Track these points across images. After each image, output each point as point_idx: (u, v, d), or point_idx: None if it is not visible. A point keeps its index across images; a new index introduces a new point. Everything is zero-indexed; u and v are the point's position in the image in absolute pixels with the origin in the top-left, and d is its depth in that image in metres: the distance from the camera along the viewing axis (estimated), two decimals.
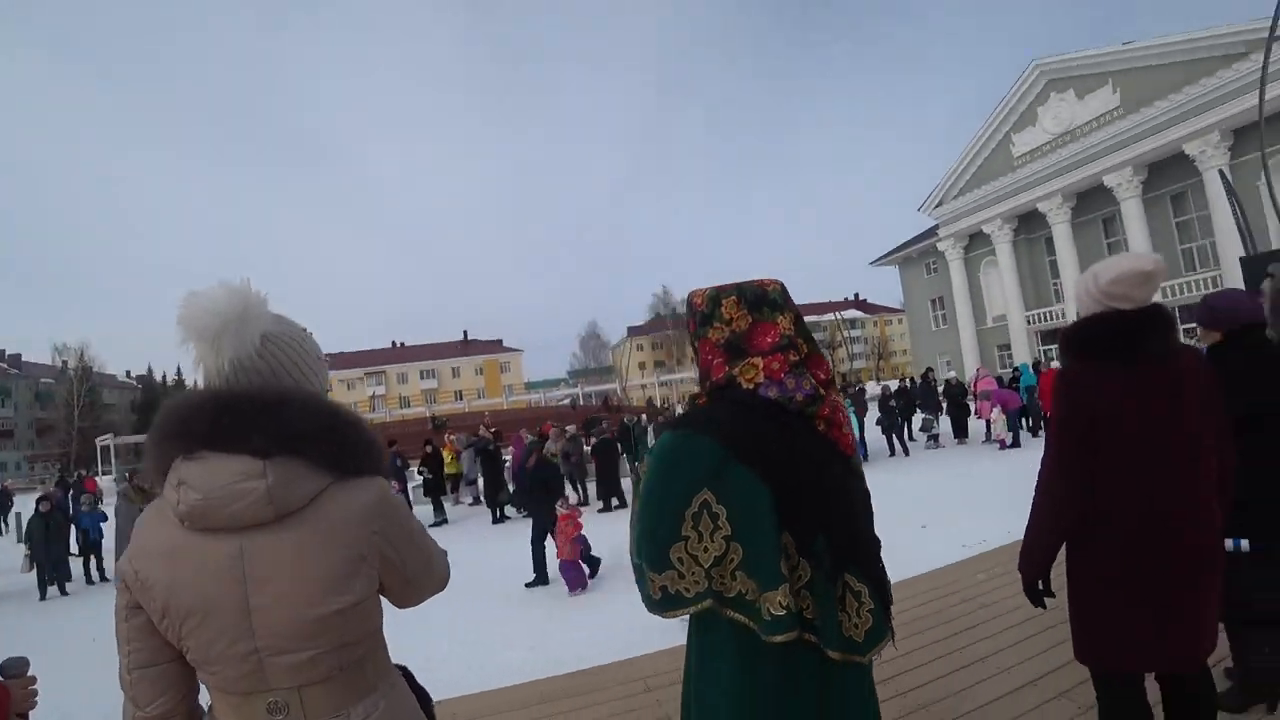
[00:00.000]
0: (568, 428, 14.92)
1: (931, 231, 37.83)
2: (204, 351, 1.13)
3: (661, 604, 1.39)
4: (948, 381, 16.81)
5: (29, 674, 1.64)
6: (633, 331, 78.00)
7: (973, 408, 15.02)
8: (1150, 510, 1.82)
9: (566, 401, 46.46)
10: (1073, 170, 28.32)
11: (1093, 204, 29.12)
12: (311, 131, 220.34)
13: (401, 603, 1.28)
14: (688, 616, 1.45)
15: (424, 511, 12.46)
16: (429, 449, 13.43)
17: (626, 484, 13.34)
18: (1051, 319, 31.81)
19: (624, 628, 4.87)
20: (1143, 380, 1.84)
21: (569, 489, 12.64)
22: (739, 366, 1.45)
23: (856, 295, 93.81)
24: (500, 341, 79.48)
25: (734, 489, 1.35)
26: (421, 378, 72.28)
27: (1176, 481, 1.82)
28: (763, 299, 1.51)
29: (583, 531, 7.22)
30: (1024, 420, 14.37)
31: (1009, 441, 13.29)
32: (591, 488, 13.22)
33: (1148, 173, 26.36)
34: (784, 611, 1.30)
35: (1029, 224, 32.48)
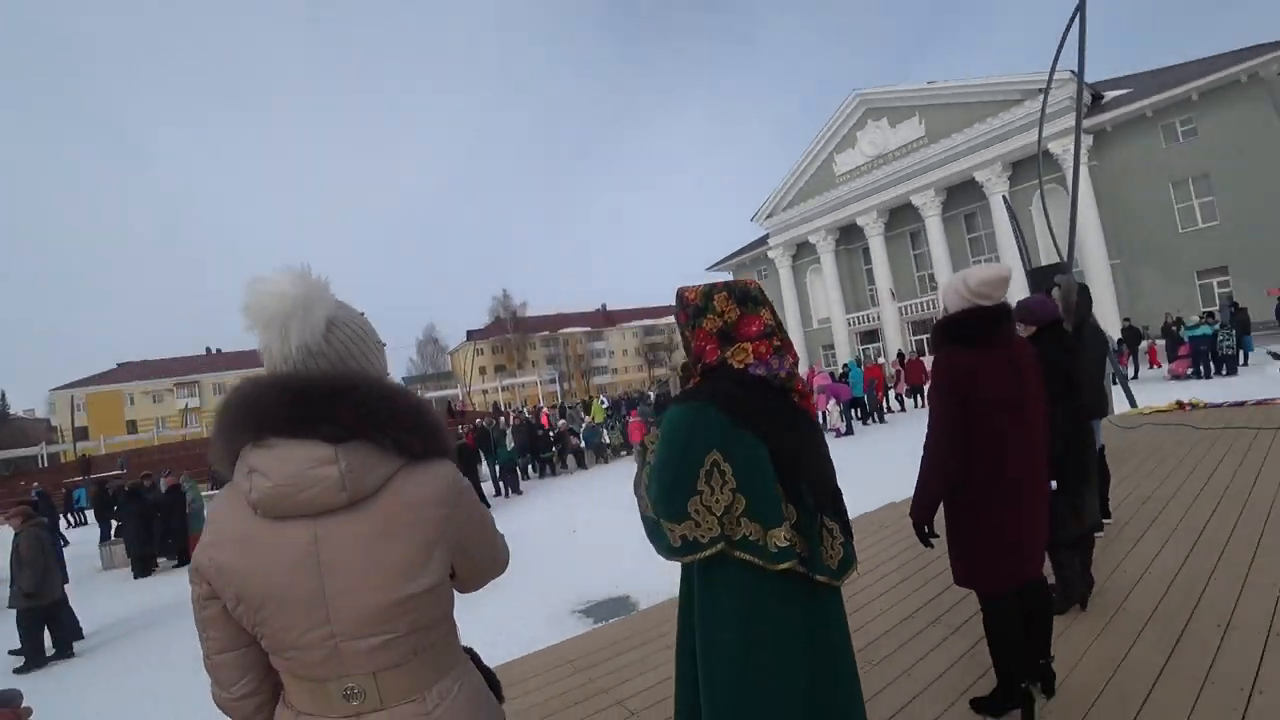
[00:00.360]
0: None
1: (763, 240, 40.49)
2: (270, 338, 1.12)
3: (681, 550, 1.62)
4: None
5: (23, 705, 1.59)
6: (472, 335, 75.78)
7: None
8: (1007, 464, 2.36)
9: None
10: (885, 189, 31.71)
11: (902, 219, 32.74)
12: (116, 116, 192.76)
13: (465, 588, 1.29)
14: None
15: None
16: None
17: (488, 488, 13.46)
18: (869, 321, 35.36)
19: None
20: (998, 361, 2.39)
21: None
22: (730, 350, 1.71)
23: None
24: None
25: (738, 449, 1.60)
26: (180, 394, 62.32)
27: (1022, 441, 2.39)
28: (748, 295, 1.79)
29: None
30: (854, 410, 16.19)
31: (843, 430, 14.99)
32: None
33: (946, 194, 30.15)
34: (786, 544, 1.59)
35: (849, 235, 35.80)
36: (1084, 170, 24.76)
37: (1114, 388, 6.68)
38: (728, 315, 1.75)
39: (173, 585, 9.42)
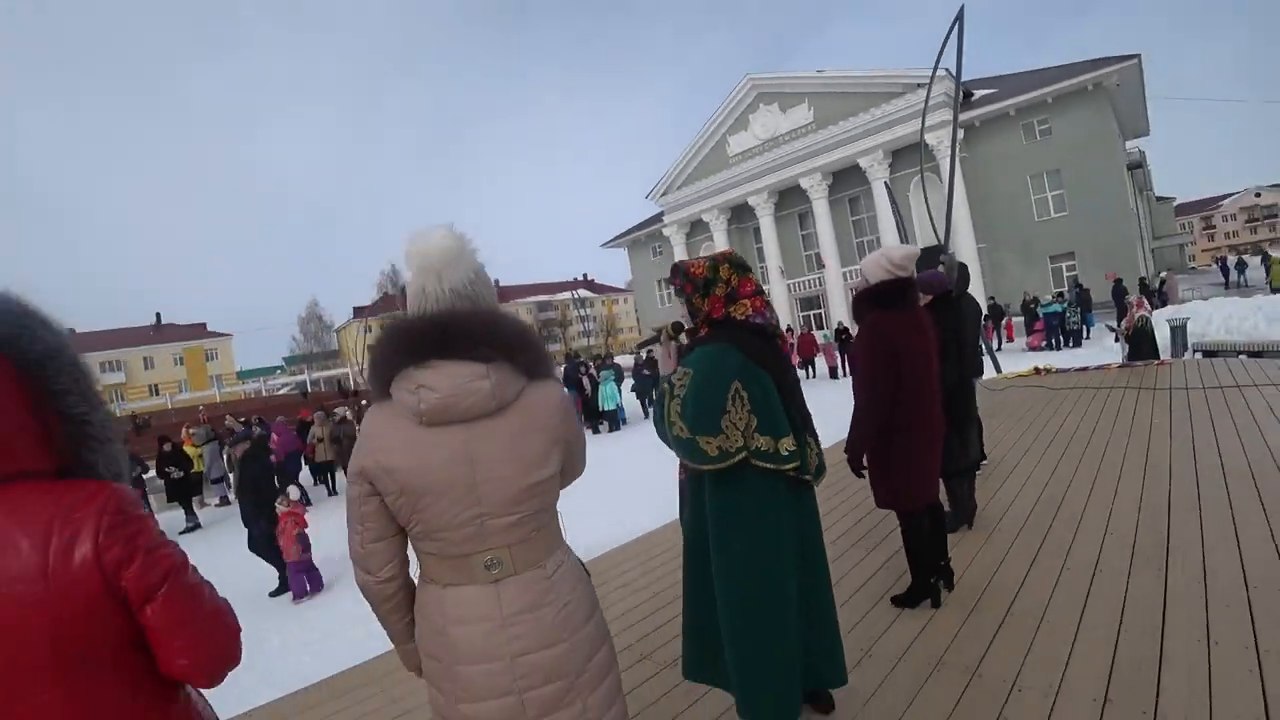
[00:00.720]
0: (336, 410, 14.07)
1: (658, 218, 40.99)
2: (429, 279, 1.41)
3: (717, 459, 2.06)
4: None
5: None
6: (360, 312, 72.11)
7: None
8: (922, 408, 3.01)
9: (292, 390, 42.01)
10: (776, 171, 32.88)
11: (791, 201, 34.11)
12: None
13: (564, 482, 1.57)
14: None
15: (170, 518, 10.95)
16: (168, 446, 11.73)
17: None
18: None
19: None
20: (912, 323, 3.02)
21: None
22: (734, 307, 2.22)
23: (585, 275, 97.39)
24: (204, 325, 66.72)
25: (752, 380, 2.10)
26: (105, 370, 58.09)
27: (931, 389, 3.05)
28: (741, 262, 2.32)
29: (306, 530, 6.80)
30: None
31: None
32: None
33: (832, 179, 31.65)
34: (793, 448, 2.13)
35: (740, 215, 36.90)
36: (956, 162, 26.78)
37: (983, 355, 7.64)
38: (731, 280, 2.24)
39: None
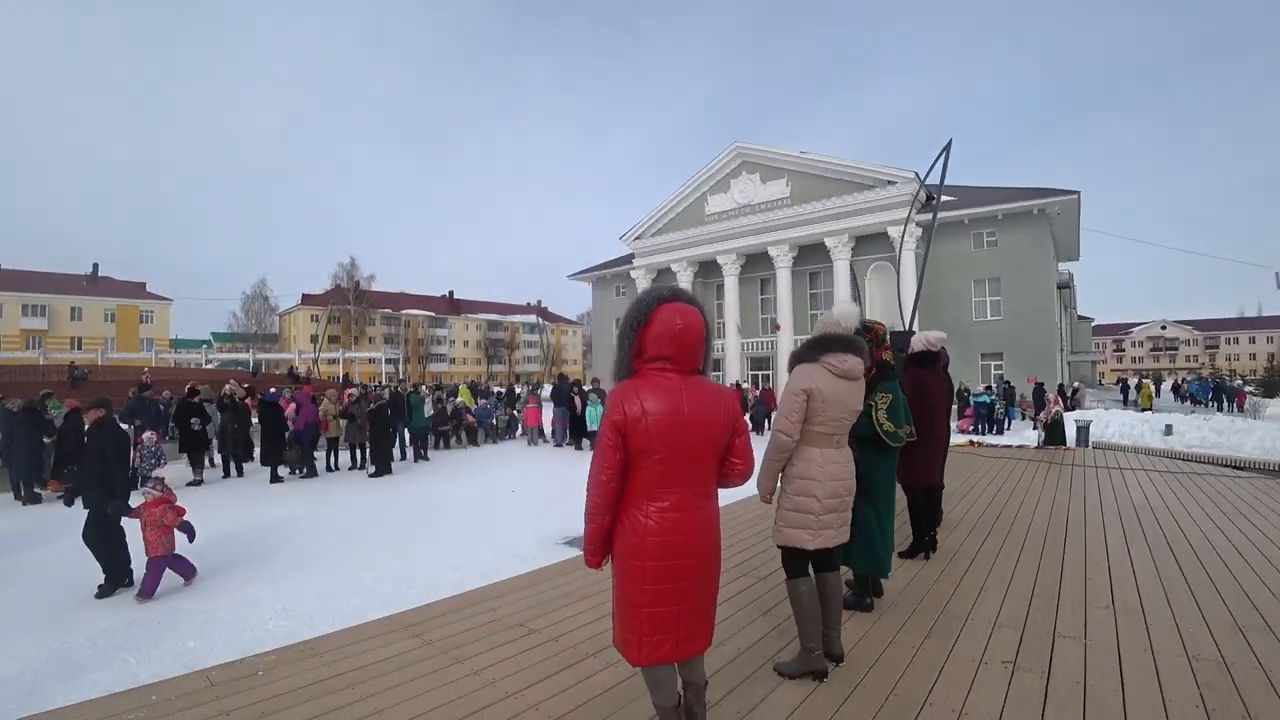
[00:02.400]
0: (350, 390, 14.86)
1: (626, 259, 42.64)
2: (848, 322, 3.41)
3: (906, 438, 4.15)
4: None
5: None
6: (309, 299, 70.81)
7: None
8: (936, 429, 5.23)
9: (241, 367, 41.07)
10: (747, 236, 35.07)
11: (757, 266, 36.28)
12: None
13: None
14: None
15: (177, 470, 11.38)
16: (196, 397, 12.04)
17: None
18: (714, 351, 38.40)
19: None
20: (940, 377, 5.52)
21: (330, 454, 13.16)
22: (883, 352, 4.10)
23: (539, 302, 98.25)
24: (144, 285, 64.08)
25: (899, 395, 4.13)
26: (25, 314, 54.83)
27: (942, 418, 5.34)
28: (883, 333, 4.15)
29: (185, 516, 6.06)
30: None
31: None
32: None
33: (798, 251, 33.97)
34: (909, 429, 4.20)
35: (707, 270, 38.88)
36: (910, 256, 29.44)
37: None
38: (884, 337, 4.12)
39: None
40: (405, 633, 3.94)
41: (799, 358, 3.30)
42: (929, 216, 29.30)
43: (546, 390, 32.09)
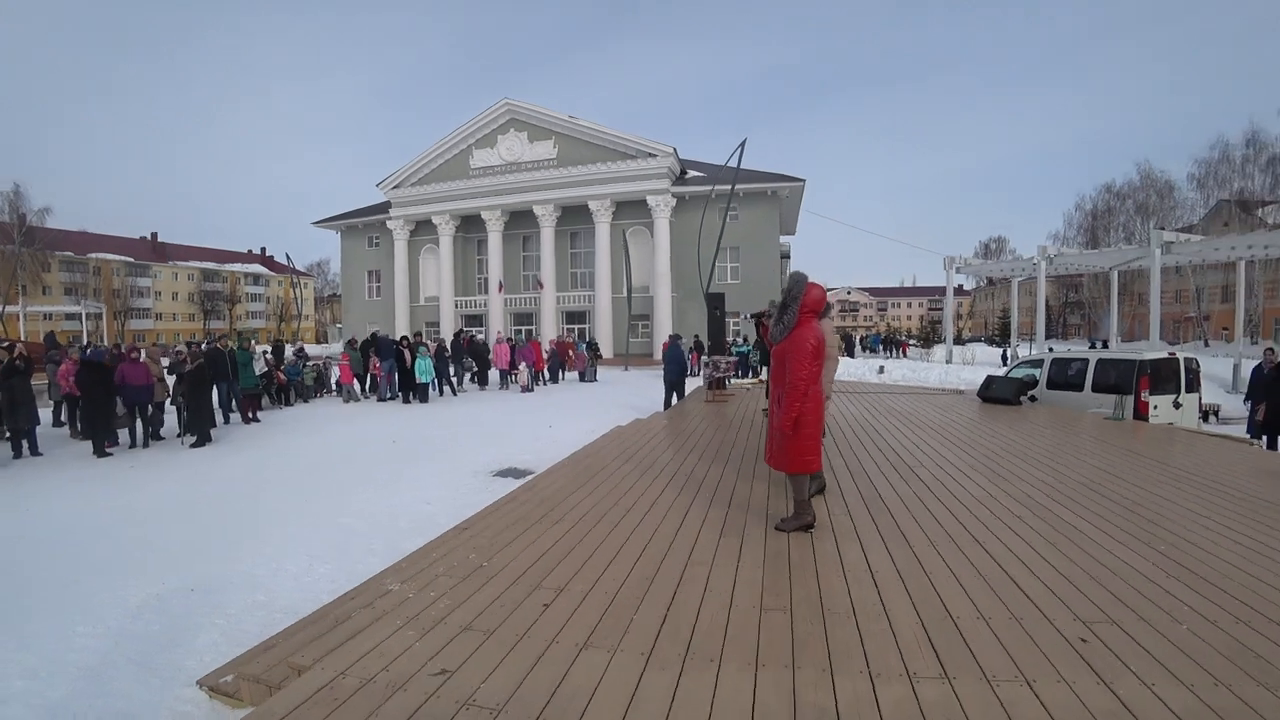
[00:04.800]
0: (179, 347, 12.96)
1: (382, 208, 40.61)
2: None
3: None
4: (476, 341, 20.98)
5: None
6: None
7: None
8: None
9: None
10: (513, 194, 35.58)
11: (521, 223, 36.96)
12: None
13: None
14: None
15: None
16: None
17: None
18: (476, 306, 38.65)
19: None
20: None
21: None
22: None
23: (264, 250, 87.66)
24: None
25: None
26: None
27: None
28: None
29: None
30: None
31: (529, 386, 18.76)
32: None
33: (562, 212, 35.33)
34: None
35: (470, 225, 38.66)
36: (665, 223, 32.40)
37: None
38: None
39: None
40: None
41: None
42: (685, 189, 32.63)
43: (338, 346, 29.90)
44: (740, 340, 26.59)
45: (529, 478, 7.07)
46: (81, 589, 4.77)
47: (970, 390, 13.93)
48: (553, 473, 6.78)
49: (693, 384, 16.08)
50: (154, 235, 73.71)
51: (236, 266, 79.54)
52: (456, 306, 38.71)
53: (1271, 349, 9.55)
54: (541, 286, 35.58)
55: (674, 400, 13.22)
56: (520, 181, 35.23)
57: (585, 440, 8.91)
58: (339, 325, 55.37)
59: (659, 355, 27.77)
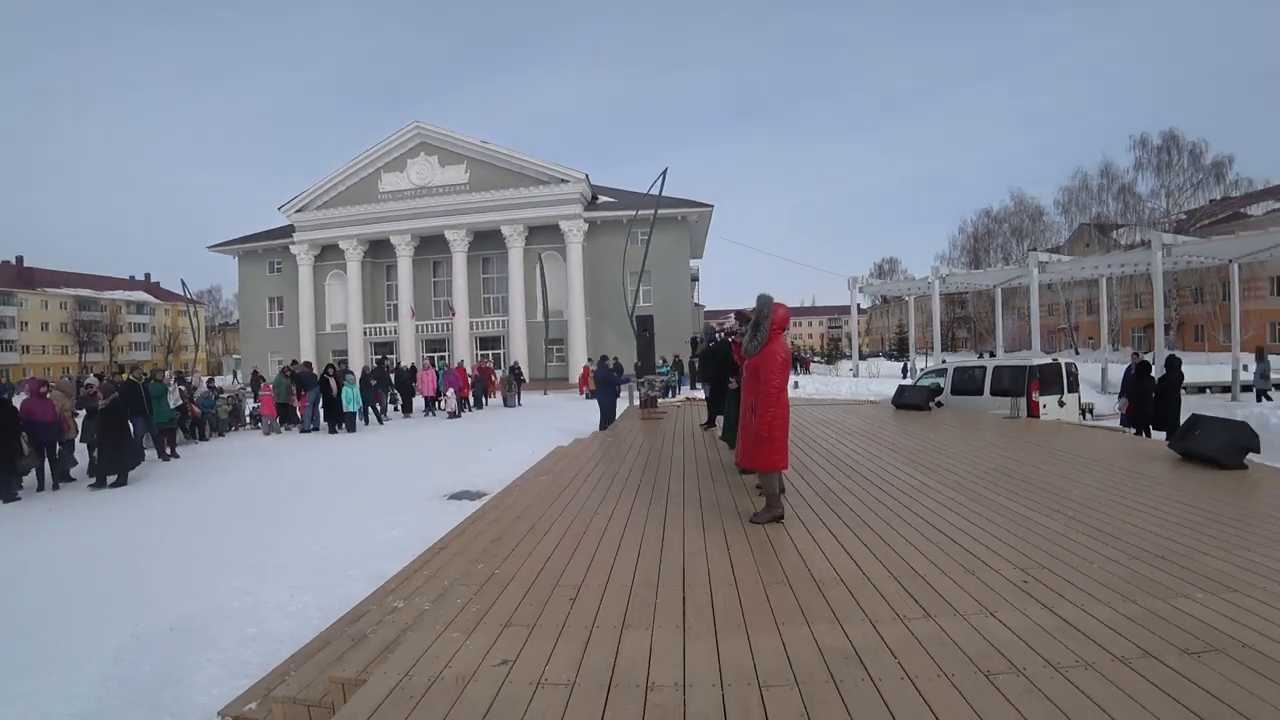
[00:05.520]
0: (88, 380, 12.19)
1: (284, 232, 39.11)
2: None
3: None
4: (401, 368, 20.82)
5: None
6: None
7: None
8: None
9: None
10: (424, 219, 35.24)
11: (432, 248, 36.61)
12: None
13: None
14: None
15: None
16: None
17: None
18: (385, 333, 37.77)
19: None
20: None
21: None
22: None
23: (148, 276, 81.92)
24: None
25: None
26: None
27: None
28: None
29: None
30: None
31: (456, 413, 18.96)
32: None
33: (474, 236, 35.26)
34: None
35: (378, 250, 37.81)
36: (578, 248, 32.96)
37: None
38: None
39: None
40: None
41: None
42: (597, 214, 33.35)
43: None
44: (661, 362, 27.37)
45: (485, 499, 7.40)
46: (47, 638, 4.60)
47: (882, 400, 15.17)
48: (513, 491, 7.12)
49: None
50: (19, 259, 67.62)
51: (117, 294, 74.00)
52: (365, 334, 37.72)
53: (1136, 352, 11.20)
54: (454, 313, 35.28)
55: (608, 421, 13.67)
56: (431, 206, 34.96)
57: (528, 462, 9.24)
58: (236, 356, 52.53)
59: (575, 379, 28.34)
